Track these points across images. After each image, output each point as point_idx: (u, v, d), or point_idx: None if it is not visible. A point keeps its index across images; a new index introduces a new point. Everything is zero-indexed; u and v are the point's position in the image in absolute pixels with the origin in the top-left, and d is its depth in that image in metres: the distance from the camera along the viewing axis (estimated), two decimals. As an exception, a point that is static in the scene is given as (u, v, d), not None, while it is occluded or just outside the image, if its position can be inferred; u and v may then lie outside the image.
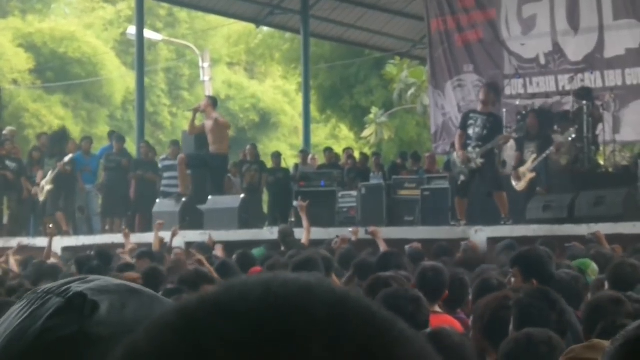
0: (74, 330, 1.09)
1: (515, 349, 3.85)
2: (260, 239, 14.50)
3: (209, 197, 16.93)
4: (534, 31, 19.06)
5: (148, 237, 14.63)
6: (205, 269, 7.78)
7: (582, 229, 12.45)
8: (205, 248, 12.56)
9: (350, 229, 13.23)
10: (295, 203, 15.89)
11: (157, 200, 18.08)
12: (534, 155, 15.49)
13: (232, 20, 29.91)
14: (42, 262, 11.36)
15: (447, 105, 20.52)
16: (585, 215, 13.60)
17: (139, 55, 21.92)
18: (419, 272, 6.16)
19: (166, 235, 13.57)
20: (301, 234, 12.69)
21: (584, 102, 15.67)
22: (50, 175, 18.76)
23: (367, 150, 26.64)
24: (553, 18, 18.76)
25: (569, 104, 16.27)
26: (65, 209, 19.16)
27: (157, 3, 33.12)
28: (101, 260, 10.41)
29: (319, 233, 13.55)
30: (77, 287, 1.13)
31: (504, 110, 17.05)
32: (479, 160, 14.68)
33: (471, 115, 15.08)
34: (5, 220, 19.65)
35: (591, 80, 17.68)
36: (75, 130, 34.11)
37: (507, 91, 18.77)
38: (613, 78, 17.91)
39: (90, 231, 19.10)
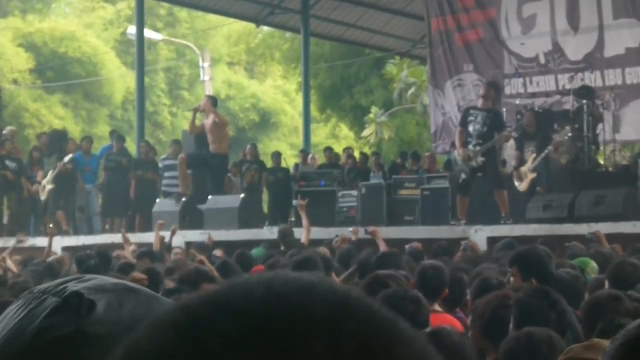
0: (71, 329, 1.09)
1: (515, 348, 3.85)
2: (260, 238, 14.49)
3: (209, 197, 16.93)
4: (533, 30, 19.06)
5: (148, 237, 14.63)
6: (206, 268, 7.77)
7: (582, 228, 12.45)
8: (205, 248, 12.55)
9: (350, 229, 13.22)
10: (294, 202, 15.88)
11: (157, 200, 18.09)
12: (534, 155, 15.49)
13: (232, 20, 29.94)
14: (50, 262, 11.34)
15: (446, 105, 20.52)
16: (585, 214, 13.60)
17: (139, 55, 21.92)
18: (419, 271, 6.17)
19: (166, 234, 13.56)
20: (301, 234, 12.68)
21: (584, 101, 15.67)
22: (50, 174, 18.76)
23: (367, 150, 26.64)
24: (553, 17, 18.76)
25: (568, 103, 16.27)
26: (65, 209, 19.15)
27: (157, 2, 33.12)
28: (100, 260, 10.40)
29: (319, 233, 13.55)
30: (73, 286, 1.13)
31: (504, 109, 17.06)
32: (480, 159, 14.68)
33: (471, 111, 15.05)
34: (5, 220, 19.65)
35: (591, 79, 17.69)
36: (75, 130, 34.11)
37: (507, 90, 18.78)
38: (613, 77, 17.91)
39: (90, 231, 19.09)
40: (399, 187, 17.05)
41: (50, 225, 16.32)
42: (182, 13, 41.21)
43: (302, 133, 24.55)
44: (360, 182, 17.74)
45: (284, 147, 34.65)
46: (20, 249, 14.61)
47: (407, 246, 11.10)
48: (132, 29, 26.94)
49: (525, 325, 4.12)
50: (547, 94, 17.96)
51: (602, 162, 16.44)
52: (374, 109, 31.83)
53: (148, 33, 28.23)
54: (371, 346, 0.73)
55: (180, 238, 14.33)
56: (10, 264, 11.13)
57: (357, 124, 33.30)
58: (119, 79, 38.44)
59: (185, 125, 21.48)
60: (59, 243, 16.34)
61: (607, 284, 6.12)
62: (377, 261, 7.63)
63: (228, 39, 42.30)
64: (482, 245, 12.55)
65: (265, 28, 31.31)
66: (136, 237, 15.27)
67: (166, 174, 19.09)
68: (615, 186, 14.40)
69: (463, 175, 14.94)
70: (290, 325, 0.73)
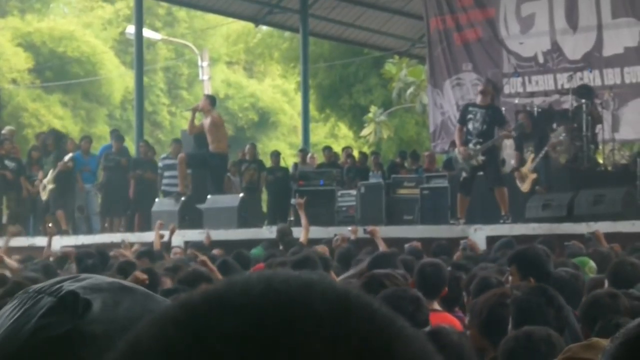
0: (68, 328, 1.09)
1: (515, 347, 3.84)
2: (259, 238, 14.49)
3: (208, 196, 16.93)
4: (532, 30, 19.07)
5: (147, 237, 14.62)
6: (206, 269, 7.76)
7: (582, 228, 12.46)
8: (203, 248, 12.55)
9: (350, 228, 13.22)
10: (292, 200, 15.86)
11: (156, 200, 18.10)
12: (532, 155, 15.50)
13: (231, 19, 29.93)
14: (59, 256, 11.33)
15: (445, 104, 20.53)
16: (584, 213, 13.61)
17: (137, 55, 21.92)
18: (418, 268, 6.17)
19: (165, 234, 13.57)
20: (300, 233, 12.67)
21: (583, 100, 15.67)
22: (51, 174, 18.77)
23: (366, 149, 26.65)
24: (552, 17, 18.77)
25: (567, 102, 16.28)
26: (65, 209, 19.15)
27: (156, 2, 33.13)
28: (99, 259, 10.39)
29: (318, 232, 13.55)
30: (69, 285, 1.13)
31: (503, 109, 17.04)
32: (480, 157, 14.67)
33: (470, 109, 15.01)
34: (5, 219, 19.64)
35: (590, 78, 17.70)
36: (74, 130, 34.11)
37: (506, 90, 18.79)
38: (612, 76, 17.92)
39: (90, 230, 19.09)
40: (398, 186, 17.06)
41: (50, 225, 16.31)
42: (181, 13, 41.21)
43: (301, 132, 24.56)
44: (360, 182, 17.74)
45: (283, 147, 34.66)
46: (19, 249, 14.57)
47: (406, 245, 11.11)
48: (131, 29, 26.93)
49: (523, 322, 4.11)
50: (546, 93, 17.97)
51: (601, 161, 16.45)
52: (373, 109, 31.85)
53: (147, 33, 28.25)
54: (370, 343, 0.74)
55: (180, 237, 14.33)
56: (9, 262, 11.10)
57: (356, 124, 33.31)
58: (118, 78, 38.44)
59: (185, 125, 21.48)
60: (59, 242, 16.33)
61: (606, 284, 6.12)
62: (372, 262, 7.63)
63: (227, 38, 42.30)
64: (482, 245, 12.54)
65: (264, 27, 31.31)
66: (136, 237, 15.26)
67: (166, 174, 19.09)
68: (614, 185, 14.41)
69: (464, 174, 14.92)
70: (290, 322, 0.73)
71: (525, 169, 15.39)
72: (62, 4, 45.90)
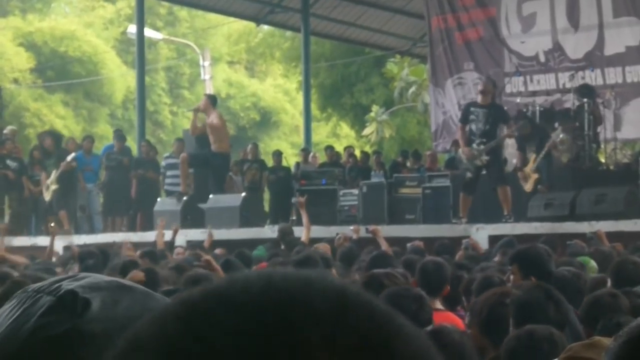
0: (67, 328, 1.09)
1: (517, 346, 3.84)
2: (261, 237, 14.49)
3: (210, 196, 16.94)
4: (533, 29, 19.07)
5: (149, 236, 14.62)
6: (205, 270, 7.75)
7: (584, 227, 12.46)
8: (202, 249, 12.52)
9: (352, 227, 13.22)
10: (293, 200, 15.85)
11: (159, 199, 18.11)
12: (534, 155, 15.50)
13: (232, 19, 29.92)
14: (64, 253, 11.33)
15: (447, 104, 20.52)
16: (586, 212, 13.60)
17: (139, 54, 21.91)
18: (420, 267, 6.17)
19: (167, 234, 13.57)
20: (302, 232, 12.67)
21: (585, 99, 15.66)
22: (54, 174, 18.78)
23: (368, 149, 26.65)
24: (553, 16, 18.76)
25: (569, 101, 16.27)
26: (67, 208, 19.16)
27: (157, 2, 33.15)
28: (101, 258, 10.39)
29: (320, 231, 13.54)
30: (67, 285, 1.13)
31: (505, 108, 17.02)
32: (484, 157, 14.67)
33: (472, 109, 15.01)
34: (7, 219, 19.65)
35: (591, 77, 17.70)
36: (76, 129, 34.12)
37: (508, 89, 18.78)
38: (613, 76, 17.92)
39: (92, 230, 19.10)
40: (400, 185, 17.05)
41: (52, 225, 16.31)
42: (183, 12, 41.22)
43: (303, 132, 24.56)
44: (361, 181, 17.73)
45: (284, 146, 34.65)
46: (21, 249, 14.58)
47: (408, 245, 11.11)
48: (132, 28, 26.93)
49: (523, 320, 4.11)
50: (547, 93, 17.97)
51: (603, 160, 16.45)
52: (374, 108, 31.84)
53: (148, 32, 28.24)
54: (370, 340, 0.74)
55: (182, 237, 14.33)
56: (13, 258, 11.11)
57: (358, 123, 33.31)
58: (120, 78, 38.45)
59: (186, 124, 21.50)
60: (61, 242, 16.34)
61: (609, 283, 6.12)
62: (371, 262, 7.63)
63: (228, 38, 42.31)
64: (484, 244, 12.54)
65: (266, 27, 31.31)
66: (138, 237, 15.25)
67: (169, 173, 19.10)
68: (616, 184, 14.41)
69: (469, 174, 14.92)
70: (289, 318, 0.73)
71: (527, 169, 15.40)
72: (64, 3, 45.92)
